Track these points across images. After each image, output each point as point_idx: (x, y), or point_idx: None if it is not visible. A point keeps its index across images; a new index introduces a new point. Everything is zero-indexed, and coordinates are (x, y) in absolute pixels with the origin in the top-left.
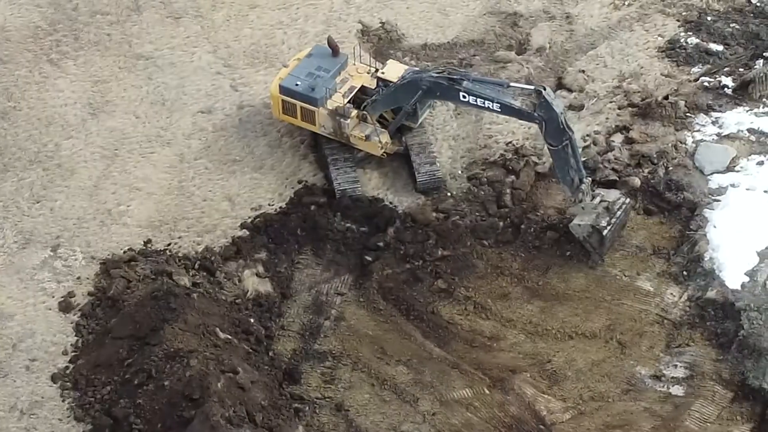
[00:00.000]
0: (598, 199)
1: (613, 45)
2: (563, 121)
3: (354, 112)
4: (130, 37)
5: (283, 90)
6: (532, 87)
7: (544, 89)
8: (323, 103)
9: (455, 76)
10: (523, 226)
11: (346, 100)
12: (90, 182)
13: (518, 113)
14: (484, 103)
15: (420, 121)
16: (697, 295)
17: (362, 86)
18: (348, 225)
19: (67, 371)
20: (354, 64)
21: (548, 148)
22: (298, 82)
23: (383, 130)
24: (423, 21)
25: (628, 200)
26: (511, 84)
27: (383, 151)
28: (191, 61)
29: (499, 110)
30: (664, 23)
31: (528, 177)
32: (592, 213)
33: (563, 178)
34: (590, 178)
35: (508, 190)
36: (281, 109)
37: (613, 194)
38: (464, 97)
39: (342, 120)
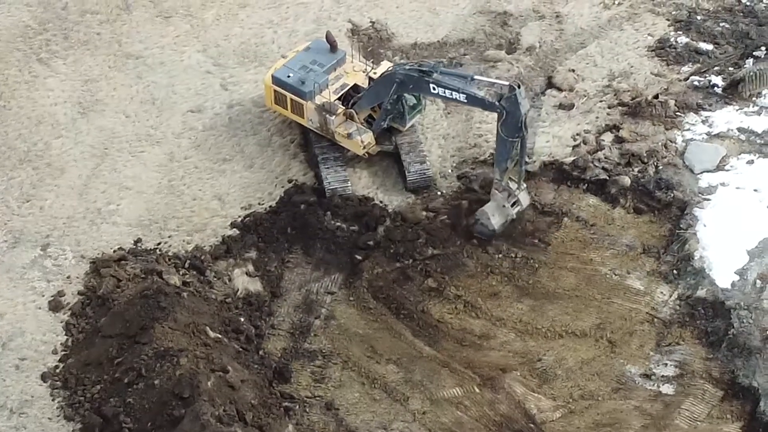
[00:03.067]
0: (511, 201)
1: (603, 44)
2: (524, 121)
3: (340, 109)
4: (120, 36)
5: (275, 80)
6: (507, 83)
7: (519, 87)
8: (312, 97)
9: (425, 68)
10: None
11: (335, 97)
12: (80, 181)
13: (482, 103)
14: (451, 94)
15: (408, 124)
16: (687, 293)
17: (355, 85)
18: (338, 224)
19: (57, 370)
20: (352, 62)
21: (498, 135)
22: (291, 74)
23: (367, 129)
24: (413, 20)
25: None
26: (475, 77)
27: (365, 150)
28: (181, 60)
29: (465, 101)
30: (654, 22)
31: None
32: (500, 208)
33: (498, 163)
34: (524, 184)
35: None
36: (273, 99)
37: (525, 201)
38: (434, 88)
39: (327, 116)
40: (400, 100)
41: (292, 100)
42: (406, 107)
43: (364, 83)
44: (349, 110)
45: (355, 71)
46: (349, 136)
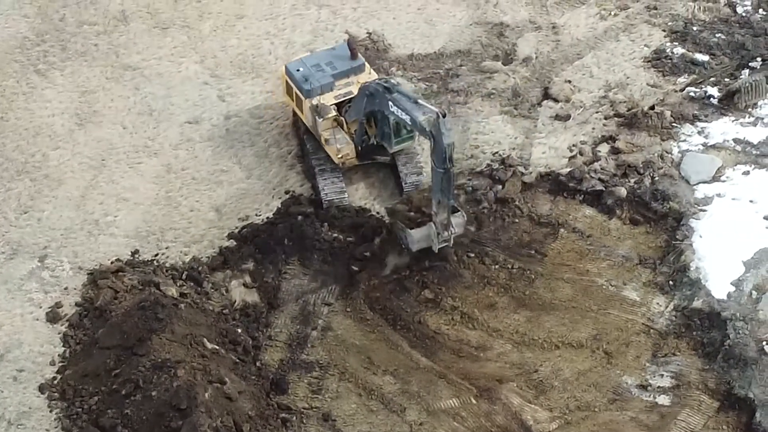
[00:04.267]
0: (443, 237)
1: (599, 55)
2: (448, 153)
3: (331, 114)
4: (118, 47)
5: (287, 71)
6: (435, 109)
7: (444, 116)
8: (311, 95)
9: (388, 85)
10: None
11: (333, 101)
12: (77, 192)
13: (419, 128)
14: (402, 114)
15: (394, 149)
16: (683, 304)
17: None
18: (335, 235)
19: (55, 381)
20: (369, 74)
21: (431, 164)
22: (301, 69)
23: (350, 141)
24: (409, 31)
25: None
26: (419, 100)
27: (341, 160)
28: (178, 71)
29: (410, 123)
30: (650, 33)
31: (514, 187)
32: (427, 238)
33: (432, 194)
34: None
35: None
36: (285, 89)
37: (458, 227)
38: (391, 106)
39: (317, 117)
40: (387, 119)
41: (296, 93)
42: (392, 128)
43: None
44: (340, 117)
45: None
46: (327, 141)
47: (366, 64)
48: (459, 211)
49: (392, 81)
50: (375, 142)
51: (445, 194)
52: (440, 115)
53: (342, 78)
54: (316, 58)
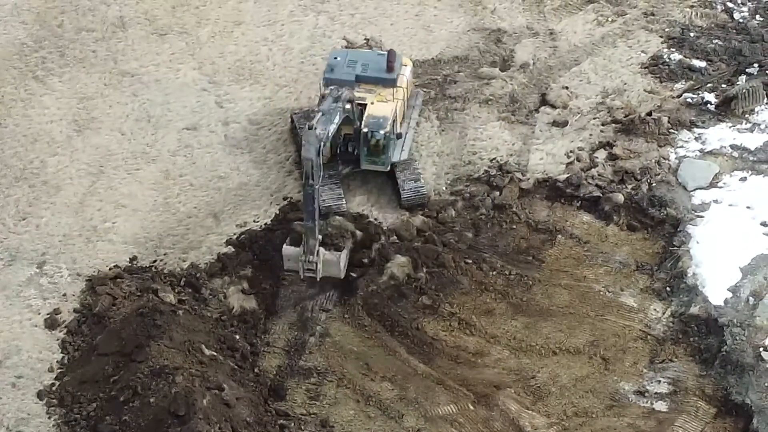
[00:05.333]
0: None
1: (596, 61)
2: (305, 168)
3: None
4: (116, 53)
5: (330, 55)
6: (313, 122)
7: (311, 128)
8: (327, 84)
9: (334, 95)
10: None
11: None
12: (75, 199)
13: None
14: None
15: (362, 166)
16: (680, 310)
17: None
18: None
19: (53, 388)
20: (396, 90)
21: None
22: (338, 57)
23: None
24: (407, 37)
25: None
26: (319, 108)
27: None
28: (176, 77)
29: None
30: (647, 39)
31: (511, 193)
32: (298, 260)
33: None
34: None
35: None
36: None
37: (326, 265)
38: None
39: (317, 105)
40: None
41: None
42: (361, 145)
43: (379, 111)
44: None
45: (387, 99)
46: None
47: (400, 81)
48: (343, 250)
49: (336, 92)
50: (351, 150)
51: (308, 216)
52: (307, 127)
53: (366, 83)
54: (359, 56)
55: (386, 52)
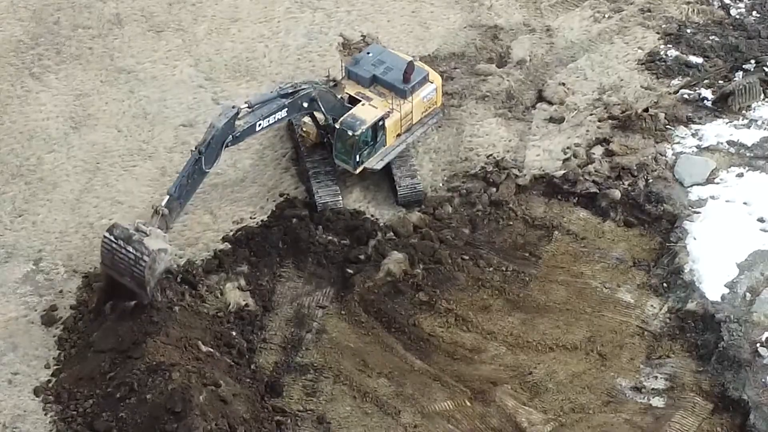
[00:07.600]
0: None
1: (593, 58)
2: (209, 135)
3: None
4: (112, 50)
5: (366, 48)
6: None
7: (232, 108)
8: (347, 77)
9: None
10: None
11: (350, 94)
12: (72, 196)
13: None
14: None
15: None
16: (677, 306)
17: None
18: (329, 238)
19: (50, 385)
20: (404, 102)
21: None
22: (370, 53)
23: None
24: (404, 34)
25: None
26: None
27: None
28: (173, 74)
29: None
30: (644, 36)
31: (508, 189)
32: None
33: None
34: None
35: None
36: None
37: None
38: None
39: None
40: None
41: None
42: (334, 139)
43: (361, 113)
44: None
45: (382, 106)
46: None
47: (413, 96)
48: (165, 246)
49: (298, 85)
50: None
51: (180, 188)
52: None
53: (379, 85)
54: (389, 58)
55: (414, 58)
